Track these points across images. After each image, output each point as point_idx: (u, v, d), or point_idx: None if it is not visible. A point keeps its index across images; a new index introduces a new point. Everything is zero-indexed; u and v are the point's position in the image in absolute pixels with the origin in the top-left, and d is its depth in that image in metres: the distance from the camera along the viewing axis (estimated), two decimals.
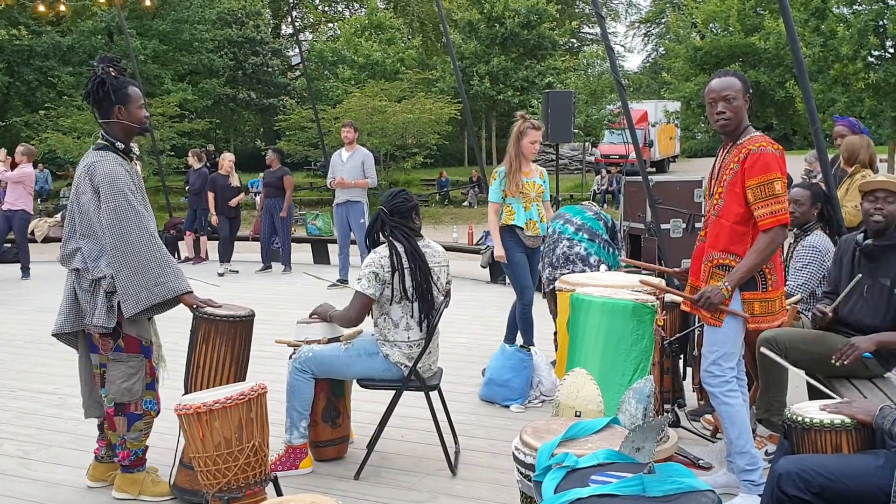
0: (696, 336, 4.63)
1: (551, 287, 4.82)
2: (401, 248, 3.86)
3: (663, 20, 45.01)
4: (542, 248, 5.54)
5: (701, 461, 3.98)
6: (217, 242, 11.16)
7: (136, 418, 3.59)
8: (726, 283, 3.30)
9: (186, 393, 3.51)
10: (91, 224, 3.50)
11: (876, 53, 17.86)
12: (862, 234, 3.84)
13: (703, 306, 3.36)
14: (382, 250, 3.89)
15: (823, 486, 2.54)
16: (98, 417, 3.76)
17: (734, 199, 3.32)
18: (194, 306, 3.59)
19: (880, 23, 17.02)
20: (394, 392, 3.96)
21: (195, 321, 3.61)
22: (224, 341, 3.55)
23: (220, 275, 10.49)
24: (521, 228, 5.47)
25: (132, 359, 3.56)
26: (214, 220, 10.86)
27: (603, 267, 4.90)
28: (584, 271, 4.86)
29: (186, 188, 12.13)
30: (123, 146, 3.62)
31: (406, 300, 3.87)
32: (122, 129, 3.63)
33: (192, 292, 3.59)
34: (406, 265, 3.85)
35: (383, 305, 3.90)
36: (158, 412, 3.72)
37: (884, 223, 3.68)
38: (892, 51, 17.85)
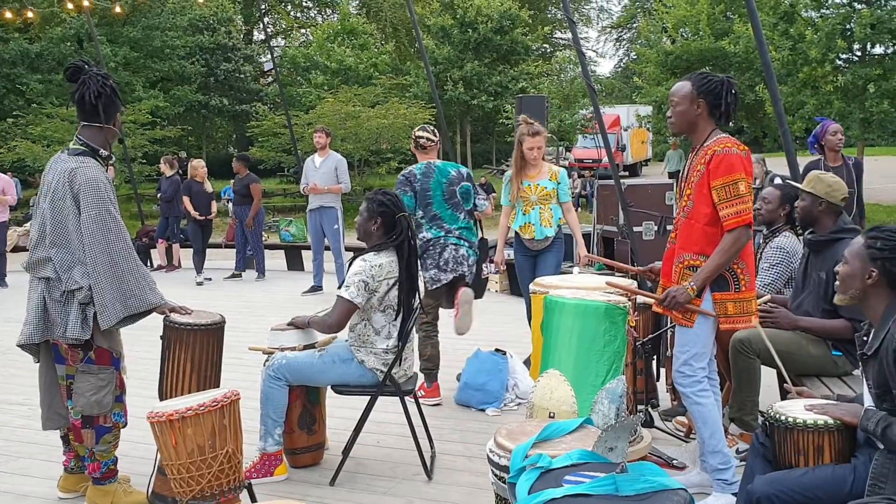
0: (668, 337, 4.67)
1: (434, 287, 5.18)
2: (412, 259, 3.91)
3: (634, 25, 45.42)
4: (550, 251, 5.56)
5: (675, 461, 4.02)
6: (189, 249, 11.07)
7: (104, 431, 3.53)
8: (692, 283, 3.34)
9: (161, 400, 3.48)
10: (66, 232, 3.40)
11: (844, 56, 18.11)
12: (810, 232, 4.04)
13: (668, 306, 3.40)
14: (374, 258, 3.86)
15: (801, 503, 2.57)
16: (57, 429, 3.69)
17: (702, 201, 3.36)
18: (166, 315, 3.56)
19: (847, 26, 17.27)
20: (369, 398, 3.95)
21: (166, 329, 3.59)
22: (196, 349, 3.53)
23: (199, 284, 10.41)
24: (517, 232, 5.56)
25: (102, 371, 3.49)
26: (198, 216, 10.78)
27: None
28: (460, 264, 5.17)
29: (158, 196, 12.01)
30: (106, 153, 3.58)
31: (392, 309, 3.88)
32: (114, 135, 3.61)
33: (165, 304, 3.55)
34: (406, 276, 3.88)
35: (365, 312, 3.88)
36: (126, 424, 3.67)
37: (799, 218, 4.10)
38: (859, 54, 18.13)
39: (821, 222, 3.95)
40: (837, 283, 2.77)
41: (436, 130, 5.51)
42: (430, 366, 5.23)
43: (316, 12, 45.77)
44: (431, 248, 5.19)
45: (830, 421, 2.69)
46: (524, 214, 5.52)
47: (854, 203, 6.19)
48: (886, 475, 2.46)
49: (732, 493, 3.35)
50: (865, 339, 2.71)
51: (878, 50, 18.17)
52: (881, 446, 2.55)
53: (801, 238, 4.35)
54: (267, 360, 4.00)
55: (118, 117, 3.60)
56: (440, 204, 5.20)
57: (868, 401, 2.70)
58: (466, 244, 5.23)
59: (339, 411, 4.57)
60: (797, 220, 4.17)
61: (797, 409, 2.79)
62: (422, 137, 5.38)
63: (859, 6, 17.68)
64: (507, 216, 5.67)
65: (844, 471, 2.59)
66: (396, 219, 3.95)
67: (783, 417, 2.75)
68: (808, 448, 2.69)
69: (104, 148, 3.57)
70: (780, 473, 2.69)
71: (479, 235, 5.64)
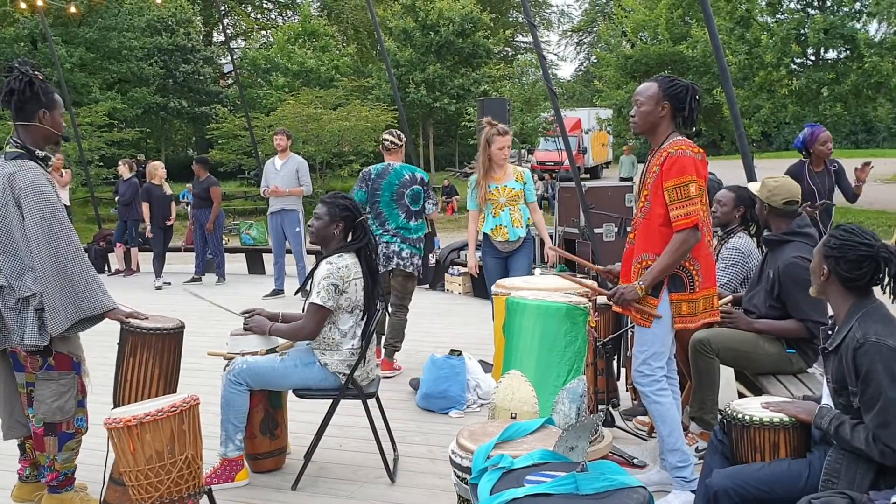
0: (629, 337, 4.72)
1: (383, 271, 5.77)
2: (373, 258, 3.90)
3: (594, 29, 45.88)
4: (520, 251, 5.59)
5: (636, 460, 4.06)
6: (147, 253, 10.90)
7: (67, 437, 3.47)
8: (640, 282, 3.38)
9: (116, 407, 3.42)
10: (13, 239, 3.31)
11: (798, 61, 18.49)
12: (767, 231, 4.15)
13: (617, 302, 3.45)
14: (339, 260, 3.84)
15: (758, 497, 2.61)
16: (18, 438, 3.62)
17: (657, 202, 3.41)
18: (122, 319, 3.49)
19: (801, 32, 17.64)
20: (331, 401, 3.93)
21: (123, 334, 3.52)
22: (153, 354, 3.47)
23: (158, 288, 10.27)
24: (488, 235, 5.56)
25: (63, 376, 3.42)
26: (149, 231, 10.58)
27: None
28: (390, 259, 5.80)
29: (116, 199, 11.81)
30: (43, 154, 3.45)
31: (359, 309, 3.87)
32: (44, 134, 3.45)
33: (117, 308, 3.48)
34: (370, 275, 3.87)
35: (333, 314, 3.87)
36: (87, 429, 3.61)
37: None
38: (813, 58, 18.51)
39: (772, 224, 4.04)
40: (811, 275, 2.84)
41: (402, 135, 6.05)
42: (390, 339, 5.95)
43: (276, 14, 45.50)
44: None
45: (786, 418, 2.74)
46: (494, 217, 5.53)
47: (830, 213, 6.17)
48: (839, 471, 2.52)
49: (692, 491, 3.40)
50: (830, 332, 2.76)
51: (831, 55, 18.57)
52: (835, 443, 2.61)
53: (754, 238, 4.45)
54: (227, 366, 3.96)
55: (47, 115, 3.41)
56: (386, 203, 5.82)
57: (827, 395, 2.76)
58: (399, 240, 5.82)
59: (301, 415, 4.54)
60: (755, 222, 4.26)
61: (754, 408, 2.84)
62: (386, 140, 5.99)
63: (813, 12, 18.07)
64: (476, 220, 5.64)
65: (800, 465, 2.65)
66: (357, 222, 3.95)
67: (740, 415, 2.80)
68: (765, 445, 2.74)
69: (39, 148, 3.44)
70: (738, 468, 2.74)
71: (427, 231, 6.30)
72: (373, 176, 5.86)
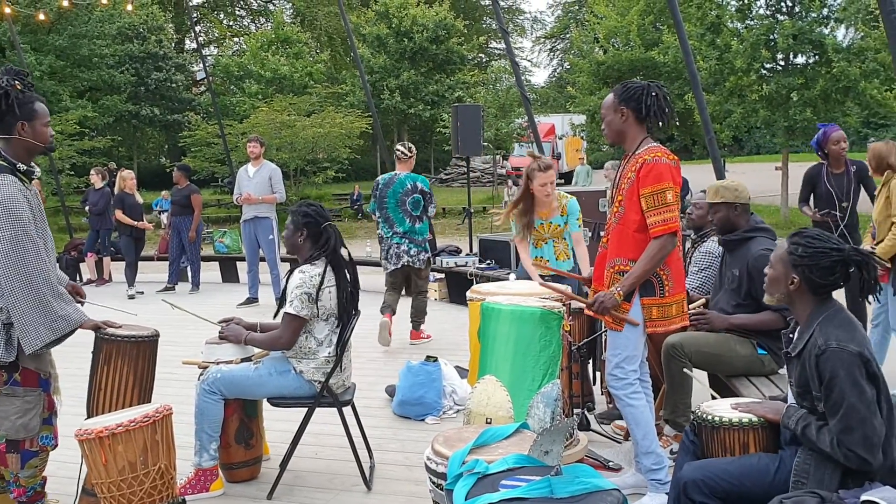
0: (603, 340, 4.75)
1: (388, 271, 6.96)
2: (345, 266, 3.88)
3: (567, 36, 46.14)
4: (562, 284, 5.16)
5: (611, 463, 4.08)
6: (119, 262, 10.80)
7: (30, 455, 3.36)
8: (618, 288, 3.41)
9: (89, 418, 3.38)
10: None
11: (768, 66, 18.70)
12: (727, 233, 4.21)
13: (597, 310, 3.46)
14: (312, 269, 3.83)
15: (727, 490, 2.64)
16: None
17: (632, 208, 3.44)
18: (98, 329, 3.45)
19: (771, 37, 17.85)
20: (306, 410, 3.92)
21: (97, 342, 3.48)
22: (127, 363, 3.43)
23: (132, 297, 10.17)
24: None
25: (29, 393, 3.33)
26: (143, 224, 10.56)
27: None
28: (401, 257, 6.80)
29: (86, 208, 11.67)
30: (25, 167, 3.34)
31: (334, 317, 3.86)
32: (25, 147, 3.34)
33: (90, 320, 3.43)
34: (344, 282, 3.86)
35: (308, 323, 3.85)
36: (55, 446, 3.54)
37: (717, 229, 4.25)
38: (782, 64, 18.74)
39: (738, 225, 4.11)
40: (765, 284, 2.83)
41: (412, 147, 6.97)
42: (415, 317, 7.00)
43: (249, 21, 45.29)
44: (383, 243, 6.93)
45: (754, 419, 2.77)
46: (536, 248, 5.28)
47: (847, 214, 5.90)
48: (808, 471, 2.55)
49: (666, 493, 3.42)
50: (791, 336, 2.79)
51: (801, 60, 18.82)
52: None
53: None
54: (201, 374, 3.93)
55: (26, 127, 3.31)
56: (392, 209, 6.79)
57: (791, 397, 2.79)
58: (407, 241, 6.80)
59: (277, 424, 4.52)
60: (716, 230, 4.30)
61: (723, 409, 2.87)
62: (397, 150, 6.93)
63: (782, 17, 18.30)
64: (524, 247, 5.27)
65: (770, 460, 2.68)
66: (322, 228, 3.93)
67: (709, 417, 2.83)
68: (734, 446, 2.77)
69: (22, 161, 3.33)
70: (708, 460, 2.78)
71: (429, 236, 7.19)
72: (380, 186, 6.86)
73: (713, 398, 3.12)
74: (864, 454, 2.44)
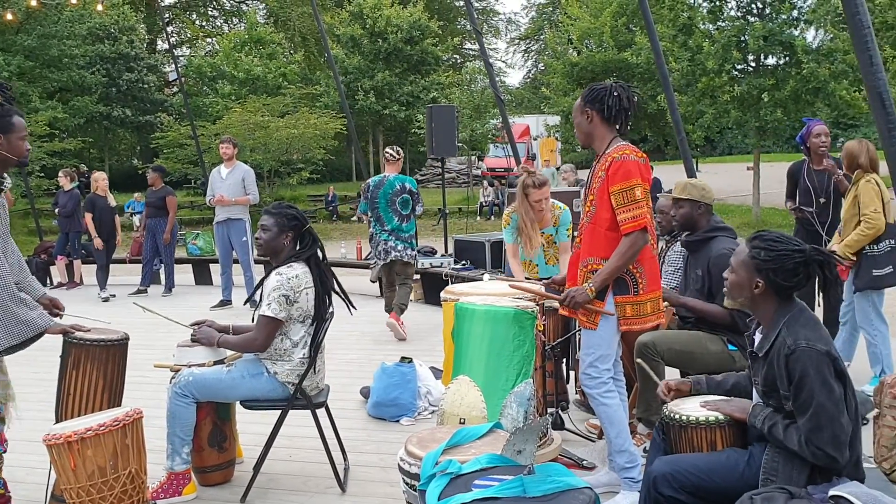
0: (577, 340, 4.77)
1: (378, 266, 7.59)
2: (321, 267, 3.86)
3: (542, 37, 46.34)
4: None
5: (585, 461, 4.10)
6: (90, 265, 10.66)
7: None
8: (591, 285, 3.43)
9: (58, 422, 3.34)
10: None
11: (739, 67, 18.90)
12: (686, 234, 4.29)
13: (568, 306, 3.48)
14: (289, 270, 3.81)
15: (696, 484, 2.66)
16: None
17: (603, 206, 3.46)
18: (66, 333, 3.40)
19: (742, 38, 18.05)
20: (280, 412, 3.89)
21: (65, 346, 3.44)
22: (96, 366, 3.39)
23: (105, 300, 10.05)
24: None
25: None
26: (98, 243, 10.32)
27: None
28: (389, 252, 7.32)
29: (55, 210, 11.51)
30: None
31: (310, 318, 3.84)
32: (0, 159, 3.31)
33: (56, 324, 3.38)
34: (321, 284, 3.83)
35: (284, 325, 3.83)
36: (5, 451, 3.46)
37: (678, 225, 4.31)
38: (753, 65, 18.95)
39: (699, 224, 4.16)
40: (726, 289, 2.83)
41: (399, 150, 7.50)
42: (398, 302, 7.37)
43: (222, 21, 45.01)
44: (373, 240, 7.42)
45: (721, 417, 2.80)
46: (525, 254, 5.35)
47: (829, 211, 5.75)
48: (776, 469, 2.58)
49: (639, 491, 3.44)
50: (754, 337, 2.82)
51: (771, 61, 19.04)
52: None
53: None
54: (173, 378, 3.89)
55: (2, 141, 3.25)
56: (383, 209, 7.29)
57: (757, 396, 2.82)
58: (395, 238, 7.30)
59: (251, 427, 4.49)
60: (677, 226, 4.34)
61: (690, 408, 2.89)
62: (387, 153, 7.51)
63: (752, 19, 18.51)
64: (515, 254, 5.36)
65: (739, 455, 2.71)
66: (304, 231, 3.92)
67: (677, 416, 2.85)
68: (702, 444, 2.79)
69: None
70: (678, 455, 2.80)
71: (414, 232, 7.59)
72: (371, 187, 7.33)
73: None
74: (832, 452, 2.47)
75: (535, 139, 30.93)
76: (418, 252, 9.63)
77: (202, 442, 3.94)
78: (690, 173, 5.72)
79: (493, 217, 23.72)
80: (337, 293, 4.01)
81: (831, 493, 2.40)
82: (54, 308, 3.62)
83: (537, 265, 5.36)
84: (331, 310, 4.01)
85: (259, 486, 3.87)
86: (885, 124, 3.40)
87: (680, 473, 2.66)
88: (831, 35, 17.90)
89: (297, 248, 3.93)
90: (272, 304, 3.73)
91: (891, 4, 16.88)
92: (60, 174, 11.52)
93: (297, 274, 3.80)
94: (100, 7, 19.01)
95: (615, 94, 3.47)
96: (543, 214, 5.25)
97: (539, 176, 5.19)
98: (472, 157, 30.26)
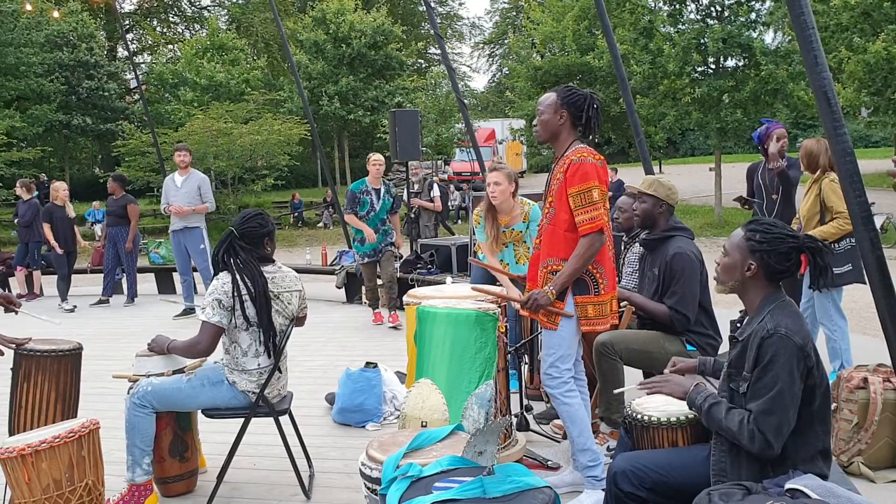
0: (540, 341, 4.78)
1: (362, 263, 8.12)
2: (243, 275, 3.76)
3: (505, 41, 46.53)
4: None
5: (550, 462, 4.11)
6: (50, 276, 10.47)
7: None
8: (551, 287, 3.45)
9: (11, 436, 3.27)
10: None
11: (699, 69, 19.17)
12: (646, 232, 4.31)
13: (530, 308, 3.50)
14: (224, 276, 3.77)
15: (656, 480, 2.67)
16: None
17: (562, 208, 3.49)
18: (5, 344, 3.33)
19: (701, 41, 18.31)
20: (243, 420, 3.85)
21: (15, 358, 3.37)
22: (48, 377, 3.34)
23: (70, 311, 9.88)
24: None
25: None
26: (58, 249, 10.18)
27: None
28: (380, 252, 7.93)
29: (16, 221, 11.31)
30: None
31: (252, 327, 3.78)
32: None
33: (3, 337, 3.31)
34: (247, 292, 3.74)
35: (232, 333, 3.78)
36: None
37: (638, 220, 4.33)
38: (713, 67, 19.21)
39: (658, 223, 4.20)
40: (716, 273, 2.81)
41: (381, 157, 8.01)
42: (373, 297, 8.15)
43: (184, 28, 44.57)
44: (355, 242, 8.08)
45: (682, 417, 2.82)
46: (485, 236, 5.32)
47: (777, 207, 5.74)
48: (725, 469, 2.59)
49: (603, 489, 3.46)
50: (739, 325, 2.84)
51: (730, 63, 19.33)
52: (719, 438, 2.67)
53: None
54: (131, 388, 3.83)
55: None
56: (383, 211, 7.90)
57: (717, 382, 2.84)
58: (380, 236, 7.88)
59: (213, 436, 4.44)
60: (637, 221, 4.36)
61: (652, 407, 2.91)
62: (369, 161, 8.02)
63: (712, 22, 18.77)
64: (492, 252, 5.34)
65: (698, 451, 2.73)
66: (230, 241, 3.81)
67: (638, 416, 2.88)
68: (664, 443, 2.82)
69: None
70: (639, 452, 2.82)
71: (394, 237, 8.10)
72: (355, 193, 7.91)
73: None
74: (771, 439, 2.46)
75: (500, 143, 31.05)
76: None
77: (163, 452, 3.89)
78: (649, 174, 5.76)
79: (459, 221, 23.74)
80: (268, 300, 3.87)
81: (787, 485, 2.43)
82: (9, 304, 3.55)
83: (507, 263, 5.33)
84: (288, 322, 3.92)
85: (222, 495, 3.83)
86: (832, 122, 3.46)
87: (640, 470, 2.68)
88: (789, 37, 18.22)
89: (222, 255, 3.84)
90: (206, 308, 3.70)
91: (845, 6, 17.21)
92: (18, 185, 11.32)
93: (227, 280, 3.75)
94: (56, 14, 18.72)
95: (595, 105, 3.51)
96: (503, 207, 5.26)
97: (498, 164, 5.33)
98: (438, 161, 30.30)
